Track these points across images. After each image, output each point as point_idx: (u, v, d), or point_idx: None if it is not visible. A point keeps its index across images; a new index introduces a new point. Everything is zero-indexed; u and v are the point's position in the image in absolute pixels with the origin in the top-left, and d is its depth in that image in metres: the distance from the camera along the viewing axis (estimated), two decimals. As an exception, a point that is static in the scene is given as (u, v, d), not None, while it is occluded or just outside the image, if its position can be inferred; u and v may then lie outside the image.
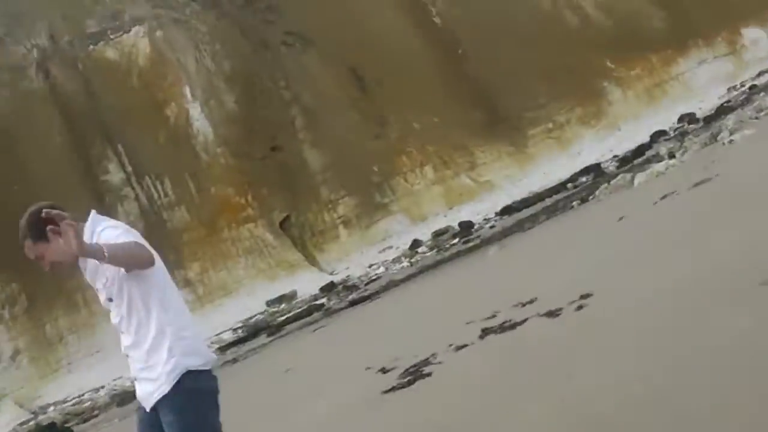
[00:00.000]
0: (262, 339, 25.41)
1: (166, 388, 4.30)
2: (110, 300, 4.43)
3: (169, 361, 4.29)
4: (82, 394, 31.11)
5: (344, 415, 8.85)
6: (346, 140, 37.18)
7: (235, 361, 22.54)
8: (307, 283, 34.15)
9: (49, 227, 4.19)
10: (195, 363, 4.35)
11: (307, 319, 26.68)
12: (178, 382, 4.29)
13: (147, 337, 4.34)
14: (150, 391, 4.38)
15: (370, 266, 34.57)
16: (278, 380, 12.99)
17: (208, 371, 4.46)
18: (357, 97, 38.56)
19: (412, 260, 32.34)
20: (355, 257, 35.65)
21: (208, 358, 4.48)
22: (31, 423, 29.52)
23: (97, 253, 4.04)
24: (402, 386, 8.89)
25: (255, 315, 31.67)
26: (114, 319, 4.46)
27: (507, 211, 33.71)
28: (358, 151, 37.01)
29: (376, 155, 37.53)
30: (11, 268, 32.02)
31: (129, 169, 36.01)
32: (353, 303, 25.73)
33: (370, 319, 19.44)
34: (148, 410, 4.44)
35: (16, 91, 36.04)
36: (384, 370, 10.12)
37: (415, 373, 9.20)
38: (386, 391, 8.90)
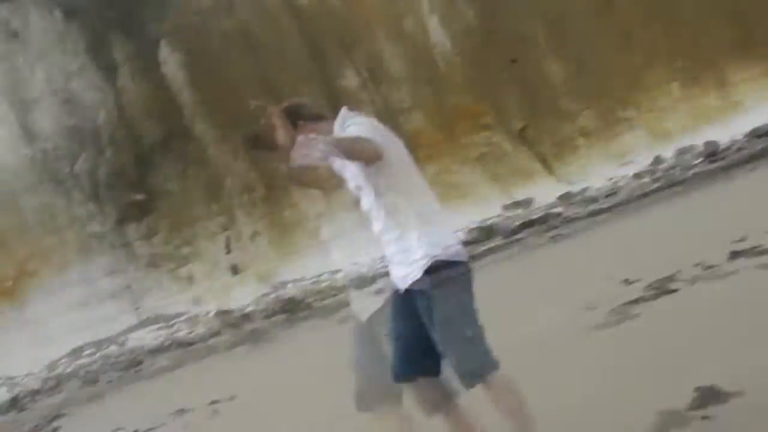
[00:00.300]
0: (497, 241, 25.67)
1: (417, 274, 4.39)
2: (358, 188, 4.61)
3: (418, 248, 4.38)
4: (320, 275, 32.52)
5: (587, 318, 8.93)
6: (590, 53, 36.42)
7: (471, 259, 22.91)
8: (544, 192, 34.11)
9: (300, 122, 4.58)
10: (443, 252, 4.39)
11: (544, 225, 26.72)
12: (429, 270, 4.36)
13: (395, 224, 4.44)
14: (403, 275, 4.48)
15: (610, 179, 34.18)
16: (518, 281, 13.31)
17: (461, 262, 4.50)
18: (603, 10, 37.57)
19: (654, 177, 31.75)
20: (594, 170, 35.22)
21: (456, 249, 4.52)
22: (271, 296, 31.22)
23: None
24: (647, 299, 8.95)
25: (490, 218, 32.03)
26: (364, 206, 4.62)
27: (757, 133, 32.34)
28: (602, 65, 36.17)
29: (621, 69, 36.59)
30: (250, 158, 33.90)
31: (365, 75, 36.82)
32: (591, 214, 25.54)
33: (610, 231, 19.32)
34: (401, 292, 4.54)
35: (256, 4, 37.22)
36: (627, 282, 10.22)
37: (661, 288, 9.26)
38: (631, 302, 8.99)
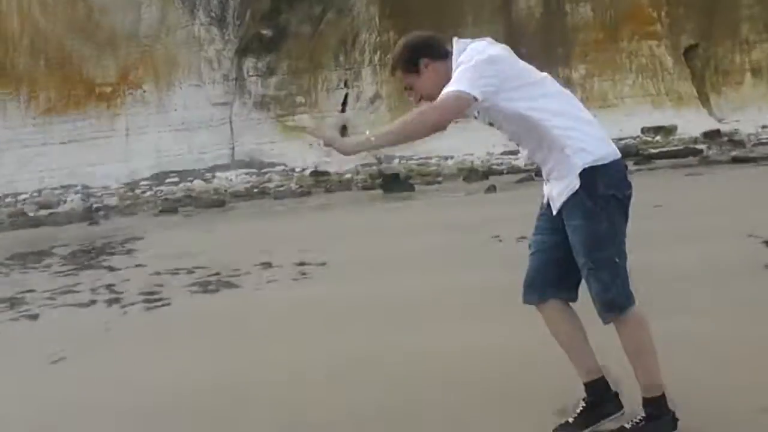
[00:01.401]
0: (629, 165, 25.33)
1: (575, 185, 4.30)
2: (491, 124, 4.55)
3: (567, 161, 4.31)
4: (430, 157, 32.58)
5: (720, 270, 8.80)
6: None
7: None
8: (690, 123, 33.37)
9: (423, 60, 4.52)
10: (595, 158, 4.27)
11: (681, 160, 26.29)
12: (582, 185, 4.28)
13: (536, 145, 4.42)
14: (558, 192, 4.42)
15: (763, 127, 33.26)
16: (647, 214, 13.02)
17: (615, 161, 4.31)
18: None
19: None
20: (750, 112, 34.24)
21: (603, 153, 4.32)
22: (375, 168, 31.45)
23: (363, 147, 4.29)
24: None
25: (627, 138, 31.43)
26: (502, 133, 4.61)
27: None
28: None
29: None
30: (398, 17, 33.68)
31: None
32: (735, 160, 25.02)
33: (754, 183, 18.83)
34: (554, 213, 4.48)
35: None
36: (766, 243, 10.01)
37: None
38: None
